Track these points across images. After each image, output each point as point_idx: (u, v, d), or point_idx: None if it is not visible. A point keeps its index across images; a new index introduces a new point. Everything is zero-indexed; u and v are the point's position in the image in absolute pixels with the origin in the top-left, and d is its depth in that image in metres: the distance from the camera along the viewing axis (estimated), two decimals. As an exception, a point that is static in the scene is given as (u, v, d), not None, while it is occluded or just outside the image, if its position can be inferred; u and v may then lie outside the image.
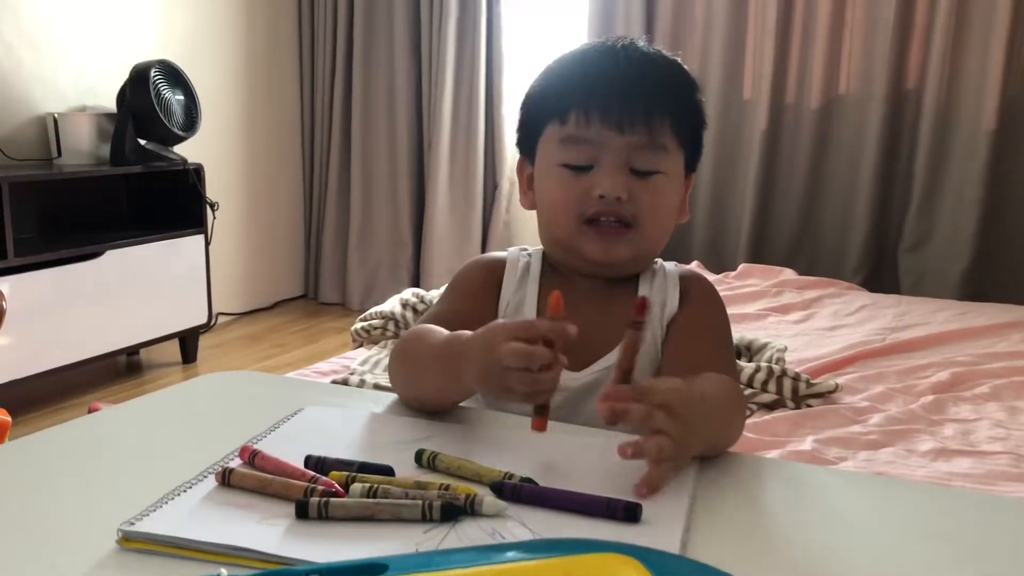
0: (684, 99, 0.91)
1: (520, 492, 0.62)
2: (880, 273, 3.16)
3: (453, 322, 0.88)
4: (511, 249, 1.00)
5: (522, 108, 0.96)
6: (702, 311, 0.93)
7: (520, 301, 0.94)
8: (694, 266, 2.84)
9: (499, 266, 0.97)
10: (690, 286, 0.95)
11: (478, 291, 0.95)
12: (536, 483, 0.64)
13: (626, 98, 0.86)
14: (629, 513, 0.60)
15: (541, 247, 0.99)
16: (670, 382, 0.68)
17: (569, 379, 0.89)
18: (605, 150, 0.87)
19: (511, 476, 0.65)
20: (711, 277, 2.69)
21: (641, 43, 0.92)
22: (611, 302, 0.92)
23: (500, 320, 0.73)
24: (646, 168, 0.87)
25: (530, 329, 0.68)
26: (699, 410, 0.69)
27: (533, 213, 0.96)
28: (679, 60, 0.94)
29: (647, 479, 0.65)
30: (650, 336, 0.91)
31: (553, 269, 0.96)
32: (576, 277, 0.94)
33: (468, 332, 0.76)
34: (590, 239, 0.89)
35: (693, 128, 0.92)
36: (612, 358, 0.89)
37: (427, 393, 0.82)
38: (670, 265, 0.98)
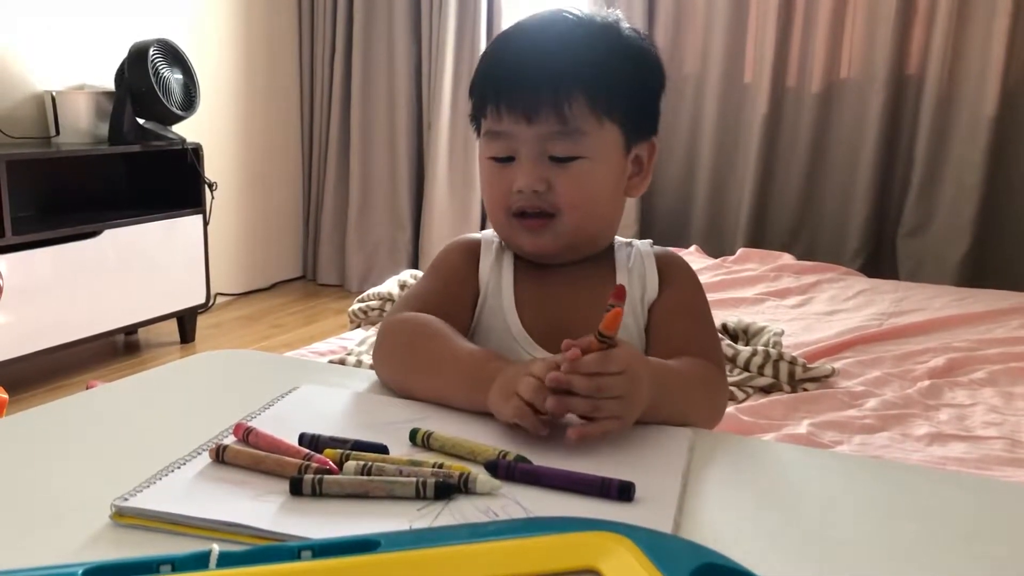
0: (607, 72, 0.85)
1: (514, 471, 0.62)
2: (879, 258, 3.16)
3: (435, 303, 0.90)
4: (484, 232, 0.99)
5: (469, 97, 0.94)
6: (681, 294, 0.92)
7: (496, 286, 0.93)
8: (692, 251, 2.84)
9: (476, 247, 0.96)
10: (668, 268, 0.93)
11: (462, 274, 0.94)
12: (530, 462, 0.64)
13: (531, 85, 0.83)
14: (623, 492, 0.60)
15: None
16: (619, 360, 0.70)
17: None
18: (519, 142, 0.85)
19: (505, 455, 0.65)
20: (709, 261, 2.69)
21: (573, 13, 0.88)
22: (585, 284, 0.91)
23: (539, 361, 0.72)
24: (564, 155, 0.85)
25: (548, 374, 0.69)
26: (645, 385, 0.72)
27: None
28: (617, 22, 0.89)
29: (582, 431, 0.68)
30: (632, 322, 0.90)
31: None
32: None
33: (507, 357, 0.79)
34: (519, 232, 0.89)
35: (627, 98, 0.87)
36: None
37: (427, 391, 0.81)
38: (643, 244, 0.96)
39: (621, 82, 0.87)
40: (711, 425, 0.83)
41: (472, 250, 0.96)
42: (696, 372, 0.83)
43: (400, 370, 0.85)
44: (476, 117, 0.91)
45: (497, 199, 0.89)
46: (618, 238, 0.97)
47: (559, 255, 0.91)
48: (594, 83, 0.84)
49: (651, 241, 0.98)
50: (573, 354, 0.68)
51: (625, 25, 0.90)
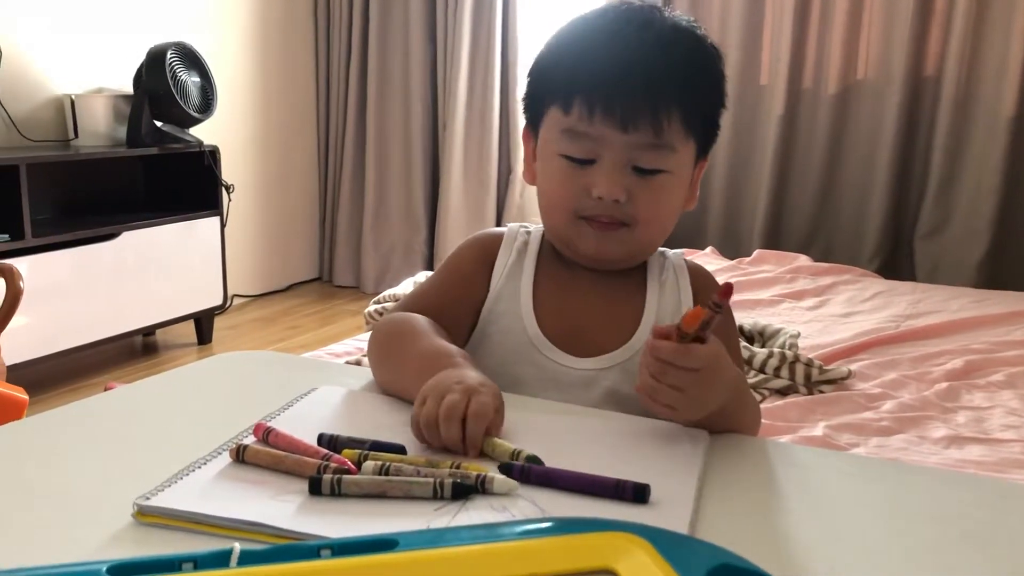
0: (699, 87, 0.85)
1: (529, 473, 0.63)
2: (896, 260, 3.15)
3: (434, 303, 0.89)
4: (511, 225, 0.96)
5: (528, 79, 0.90)
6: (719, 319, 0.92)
7: (515, 287, 0.91)
8: (708, 252, 2.83)
9: (495, 243, 0.94)
10: (702, 288, 0.92)
11: (468, 275, 0.92)
12: (541, 462, 0.64)
13: (631, 93, 0.80)
14: (638, 494, 0.60)
15: (542, 226, 0.95)
16: (696, 358, 0.70)
17: (570, 370, 0.87)
18: (606, 147, 0.82)
19: (518, 454, 0.65)
20: (725, 262, 2.69)
21: (657, 15, 0.85)
22: (615, 295, 0.90)
23: (470, 379, 0.69)
24: (650, 167, 0.82)
25: (454, 416, 0.66)
26: (719, 391, 0.72)
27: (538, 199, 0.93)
28: (698, 32, 0.86)
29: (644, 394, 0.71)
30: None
31: (554, 251, 0.93)
32: (577, 264, 0.91)
33: (461, 362, 0.75)
34: (584, 234, 0.86)
35: (708, 115, 0.87)
36: (615, 354, 0.87)
37: (394, 390, 0.81)
38: (675, 256, 0.95)
39: (707, 102, 0.86)
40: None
41: (488, 249, 0.93)
42: (754, 400, 0.85)
43: (376, 367, 0.85)
44: (541, 103, 0.87)
45: (565, 200, 0.85)
46: None
47: (619, 262, 0.89)
48: (689, 100, 0.83)
49: (682, 252, 0.96)
50: (695, 315, 0.69)
51: (706, 36, 0.87)
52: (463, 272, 0.93)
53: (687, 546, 0.52)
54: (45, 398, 2.61)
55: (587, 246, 0.86)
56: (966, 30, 2.90)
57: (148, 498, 0.57)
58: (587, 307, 0.89)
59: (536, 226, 0.96)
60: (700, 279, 0.94)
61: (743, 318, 1.94)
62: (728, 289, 0.68)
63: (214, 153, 3.14)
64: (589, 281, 0.90)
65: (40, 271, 2.53)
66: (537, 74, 0.89)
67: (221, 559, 0.47)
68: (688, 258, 0.96)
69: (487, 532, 0.53)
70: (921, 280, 2.90)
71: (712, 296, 0.68)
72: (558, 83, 0.85)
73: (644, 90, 0.81)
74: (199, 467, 0.62)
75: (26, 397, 1.69)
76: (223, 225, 3.22)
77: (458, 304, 0.91)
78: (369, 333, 1.95)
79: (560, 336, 0.88)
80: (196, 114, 3.04)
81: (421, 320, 0.85)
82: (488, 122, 3.79)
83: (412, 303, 0.91)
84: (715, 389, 0.72)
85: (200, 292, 3.17)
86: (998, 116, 2.88)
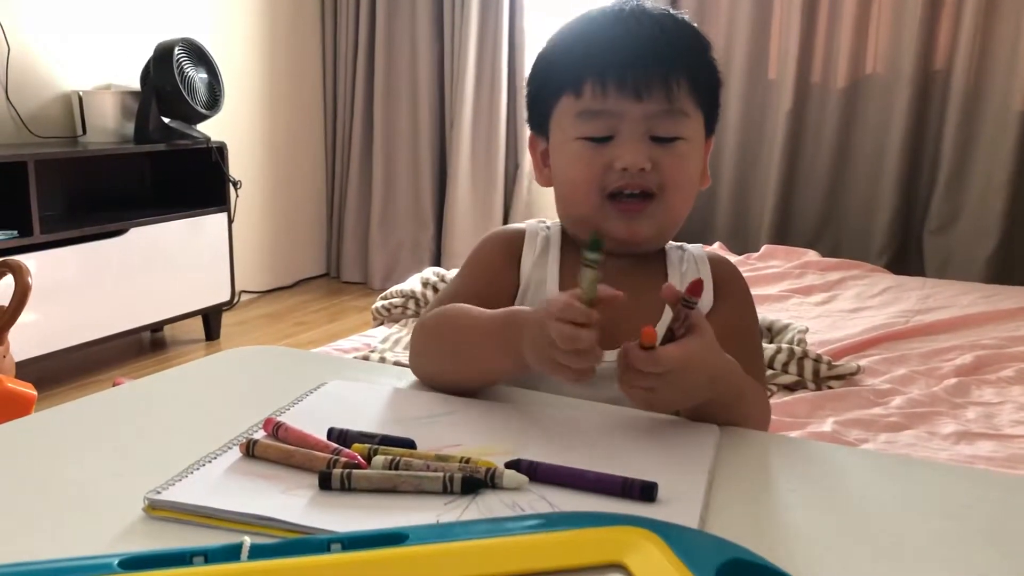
0: (700, 59, 0.88)
1: (535, 470, 0.62)
2: (905, 255, 3.14)
3: (473, 301, 0.88)
4: (529, 222, 0.97)
5: (530, 83, 0.93)
6: (738, 311, 0.92)
7: (541, 278, 0.92)
8: (716, 247, 2.83)
9: (518, 239, 0.95)
10: (725, 280, 0.93)
11: (497, 268, 0.93)
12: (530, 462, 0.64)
13: (641, 64, 0.84)
14: (646, 493, 0.60)
15: (559, 221, 0.96)
16: (664, 361, 0.71)
17: None
18: (624, 120, 0.84)
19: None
20: (733, 258, 2.68)
21: (648, 6, 0.89)
22: (638, 283, 0.89)
23: (551, 297, 0.72)
24: (668, 135, 0.85)
25: (575, 312, 0.70)
26: (692, 383, 0.74)
27: (556, 191, 0.94)
28: (688, 19, 0.91)
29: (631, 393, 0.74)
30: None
31: (574, 246, 0.93)
32: None
33: (526, 308, 0.78)
34: (612, 217, 0.87)
35: (710, 89, 0.89)
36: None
37: (470, 372, 0.81)
38: (696, 248, 0.96)
39: (711, 73, 0.90)
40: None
41: (512, 243, 0.94)
42: (760, 393, 0.85)
43: (435, 363, 0.85)
44: (546, 102, 0.90)
45: (590, 180, 0.86)
46: (670, 242, 0.96)
47: (649, 242, 0.90)
48: (695, 68, 0.86)
49: (702, 245, 0.98)
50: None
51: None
52: (493, 267, 0.94)
53: (697, 541, 0.52)
54: (54, 394, 2.62)
55: (617, 229, 0.87)
56: (975, 23, 2.89)
57: (159, 492, 0.57)
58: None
59: (554, 221, 0.97)
60: (721, 269, 0.94)
61: (751, 313, 1.93)
62: (697, 286, 0.71)
63: (222, 149, 3.15)
64: (613, 272, 0.90)
65: (48, 267, 2.54)
66: (539, 75, 0.92)
67: (231, 553, 0.48)
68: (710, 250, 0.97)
69: (496, 526, 0.53)
70: (931, 275, 2.89)
71: (682, 294, 0.71)
72: (566, 72, 0.87)
73: (653, 58, 0.84)
74: (209, 462, 0.63)
75: (35, 393, 1.70)
76: (231, 221, 3.22)
77: (493, 298, 0.90)
78: (374, 326, 1.96)
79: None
80: (204, 110, 3.05)
81: (461, 305, 0.86)
82: (495, 119, 3.78)
83: (446, 302, 0.91)
84: (686, 388, 0.73)
85: (208, 288, 3.18)
86: (1008, 110, 2.87)
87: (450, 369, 0.83)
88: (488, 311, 0.82)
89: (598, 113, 0.85)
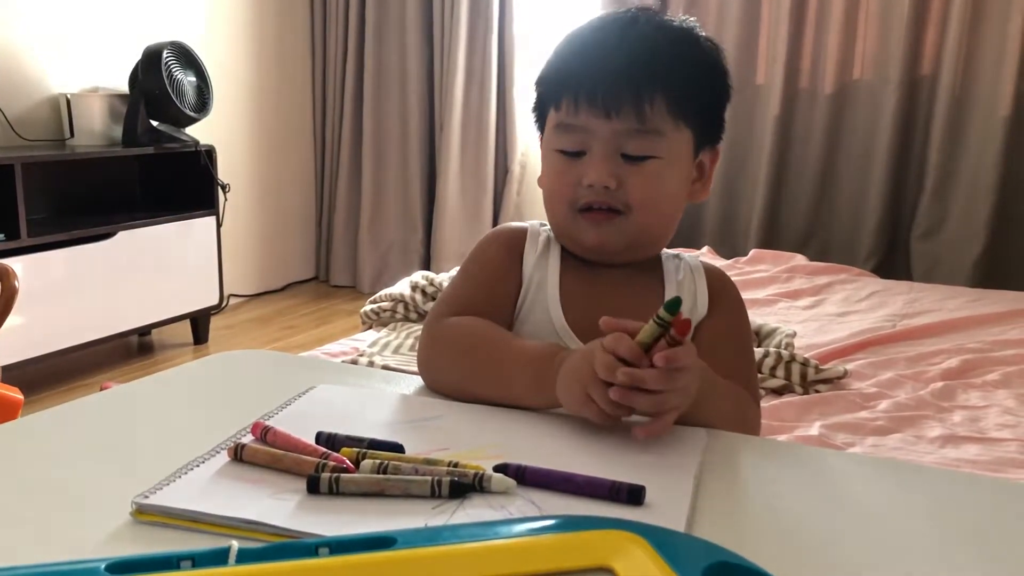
0: (685, 76, 0.86)
1: (523, 474, 0.62)
2: (892, 260, 3.15)
3: (480, 301, 0.89)
4: (531, 222, 0.97)
5: (535, 87, 0.94)
6: (731, 320, 0.92)
7: (542, 278, 0.92)
8: (705, 252, 2.83)
9: (520, 238, 0.95)
10: (719, 290, 0.93)
11: (502, 267, 0.93)
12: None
13: (612, 82, 0.83)
14: (633, 496, 0.60)
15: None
16: (690, 354, 0.71)
17: None
18: (594, 137, 0.85)
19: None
20: (721, 263, 2.69)
21: (650, 16, 0.88)
22: (635, 291, 0.91)
23: (608, 338, 0.72)
24: (638, 153, 0.85)
25: (625, 346, 0.70)
26: (698, 381, 0.73)
27: (542, 197, 0.95)
28: (693, 29, 0.90)
29: (650, 430, 0.70)
30: None
31: None
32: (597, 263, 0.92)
33: (565, 348, 0.79)
34: (583, 227, 0.88)
35: (701, 103, 0.88)
36: None
37: (491, 393, 0.81)
38: (691, 258, 0.96)
39: (698, 87, 0.88)
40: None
41: (515, 241, 0.94)
42: (733, 389, 0.84)
43: (460, 376, 0.84)
44: (542, 109, 0.91)
45: (562, 193, 0.88)
46: (665, 250, 0.96)
47: (619, 252, 0.90)
48: (674, 85, 0.85)
49: (698, 254, 0.98)
50: (626, 349, 0.69)
51: (701, 33, 0.91)
52: (499, 266, 0.94)
53: (684, 544, 0.53)
54: (40, 398, 2.61)
55: (588, 238, 0.88)
56: (962, 29, 2.91)
57: (146, 496, 0.57)
58: (609, 302, 0.89)
59: None
60: (717, 281, 0.94)
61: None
62: (685, 327, 0.70)
63: (210, 152, 3.14)
64: (609, 278, 0.92)
65: (36, 271, 2.53)
66: (541, 79, 0.93)
67: (219, 557, 0.48)
68: (704, 260, 0.97)
69: (485, 530, 0.53)
70: (917, 279, 2.90)
71: (658, 314, 0.69)
72: (550, 86, 0.89)
73: (625, 77, 0.84)
74: (197, 466, 0.63)
75: (21, 397, 1.69)
76: (219, 225, 3.21)
77: (499, 298, 0.91)
78: (363, 330, 1.95)
79: (585, 329, 0.88)
80: (192, 113, 3.04)
81: (494, 327, 0.86)
82: (485, 122, 3.79)
83: (457, 304, 0.91)
84: (688, 388, 0.72)
85: (196, 292, 3.17)
86: (994, 115, 2.89)
87: (470, 385, 0.82)
88: (528, 342, 0.83)
89: (571, 128, 0.86)
